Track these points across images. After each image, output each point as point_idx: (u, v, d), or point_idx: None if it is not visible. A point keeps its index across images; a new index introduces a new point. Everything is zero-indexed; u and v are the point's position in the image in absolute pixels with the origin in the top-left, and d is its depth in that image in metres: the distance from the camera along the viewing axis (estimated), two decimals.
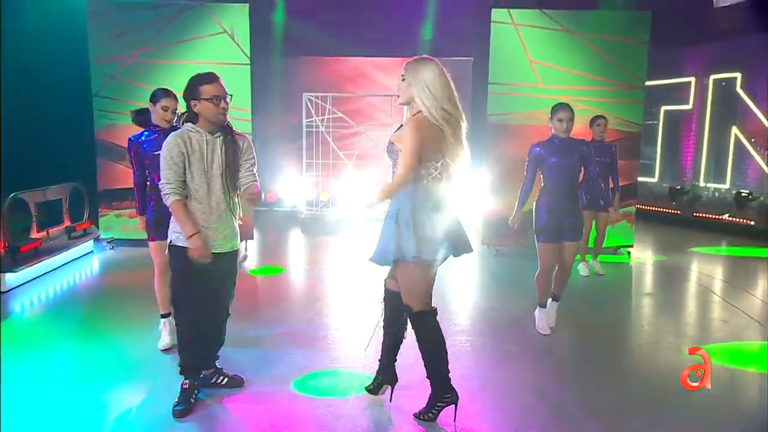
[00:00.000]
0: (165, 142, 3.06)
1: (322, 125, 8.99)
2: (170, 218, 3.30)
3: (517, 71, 6.84)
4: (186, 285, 3.11)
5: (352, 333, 4.34)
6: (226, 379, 3.41)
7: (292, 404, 3.22)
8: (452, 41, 9.04)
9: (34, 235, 6.12)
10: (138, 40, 6.71)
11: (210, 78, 3.06)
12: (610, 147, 6.07)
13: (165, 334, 3.97)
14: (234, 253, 3.24)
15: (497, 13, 6.82)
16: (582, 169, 4.37)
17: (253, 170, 3.17)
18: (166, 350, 3.89)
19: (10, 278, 5.32)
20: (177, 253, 3.08)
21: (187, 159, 3.03)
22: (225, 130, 3.12)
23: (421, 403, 3.03)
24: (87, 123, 6.78)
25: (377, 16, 8.88)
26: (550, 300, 4.45)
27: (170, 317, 3.89)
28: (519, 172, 6.95)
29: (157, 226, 3.82)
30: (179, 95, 3.61)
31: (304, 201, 9.24)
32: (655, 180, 10.16)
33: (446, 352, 2.97)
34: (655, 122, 10.07)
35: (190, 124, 3.09)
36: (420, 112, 2.84)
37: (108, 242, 6.99)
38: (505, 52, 6.84)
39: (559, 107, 4.31)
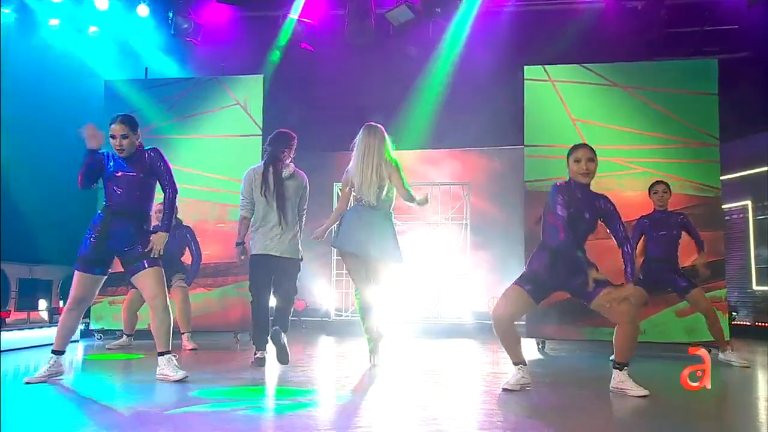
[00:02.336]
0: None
1: None
2: (112, 254, 3.93)
3: (556, 132, 6.31)
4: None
5: None
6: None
7: None
8: (499, 128, 8.72)
9: (12, 312, 5.98)
10: (149, 116, 6.92)
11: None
12: (676, 217, 5.33)
13: (42, 371, 3.94)
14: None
15: (530, 70, 6.49)
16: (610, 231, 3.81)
17: None
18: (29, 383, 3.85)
19: None
20: None
21: None
22: None
23: None
24: (92, 202, 6.87)
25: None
26: (616, 370, 3.68)
27: (63, 355, 4.02)
28: None
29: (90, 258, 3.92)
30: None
31: (334, 308, 8.67)
32: None
33: None
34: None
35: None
36: None
37: (97, 332, 6.70)
38: (541, 112, 6.41)
39: (576, 146, 3.94)
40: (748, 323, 8.20)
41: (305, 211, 5.00)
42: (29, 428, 2.88)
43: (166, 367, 3.96)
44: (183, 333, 5.90)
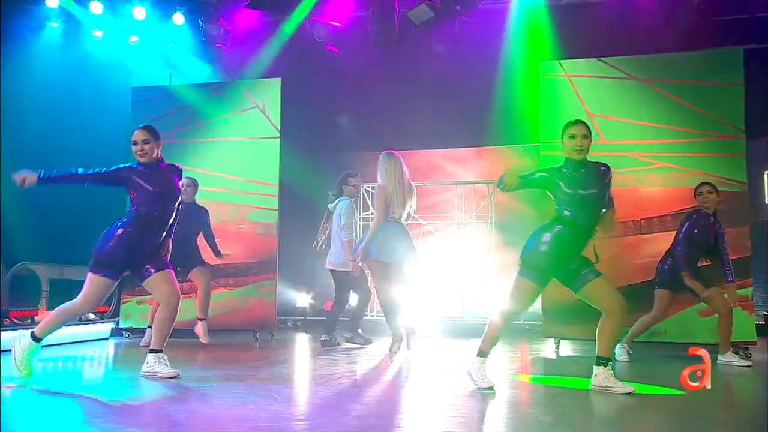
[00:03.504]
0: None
1: None
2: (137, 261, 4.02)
3: None
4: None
5: None
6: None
7: None
8: (524, 125, 8.63)
9: (42, 311, 6.30)
10: (174, 121, 7.18)
11: None
12: (715, 223, 5.23)
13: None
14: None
15: (546, 66, 6.45)
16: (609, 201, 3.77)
17: None
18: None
19: None
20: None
21: None
22: None
23: None
24: (119, 204, 7.17)
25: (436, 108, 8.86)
26: (599, 367, 3.60)
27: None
28: None
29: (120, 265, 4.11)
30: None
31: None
32: None
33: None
34: None
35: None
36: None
37: (125, 330, 7.00)
38: (557, 108, 6.32)
39: (571, 122, 3.87)
40: None
41: (345, 226, 6.14)
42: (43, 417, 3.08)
43: (157, 365, 4.02)
44: (200, 320, 6.00)
